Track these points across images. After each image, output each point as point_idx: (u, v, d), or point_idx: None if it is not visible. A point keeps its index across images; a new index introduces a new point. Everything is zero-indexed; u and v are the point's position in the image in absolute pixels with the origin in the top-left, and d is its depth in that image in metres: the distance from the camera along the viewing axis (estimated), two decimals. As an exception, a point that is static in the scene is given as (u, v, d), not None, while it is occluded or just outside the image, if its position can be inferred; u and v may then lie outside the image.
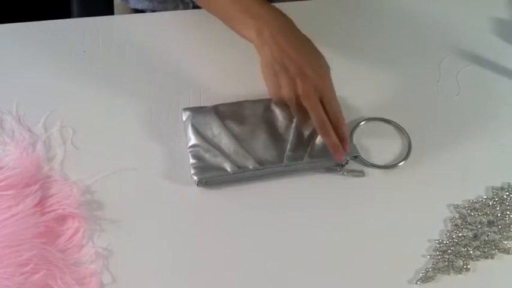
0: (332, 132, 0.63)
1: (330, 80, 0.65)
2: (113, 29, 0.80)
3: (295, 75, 0.63)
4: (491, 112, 0.74)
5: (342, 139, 0.64)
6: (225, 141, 0.66)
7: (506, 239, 0.63)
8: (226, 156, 0.65)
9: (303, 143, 0.67)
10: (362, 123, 0.71)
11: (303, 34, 0.67)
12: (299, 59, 0.63)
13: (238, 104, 0.70)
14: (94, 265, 0.58)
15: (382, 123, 0.72)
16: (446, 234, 0.63)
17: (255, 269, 0.59)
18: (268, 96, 0.69)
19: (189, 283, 0.58)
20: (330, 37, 0.78)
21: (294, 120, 0.68)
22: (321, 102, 0.64)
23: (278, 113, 0.69)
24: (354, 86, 0.75)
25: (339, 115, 0.65)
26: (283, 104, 0.67)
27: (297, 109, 0.65)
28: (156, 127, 0.70)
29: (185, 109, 0.69)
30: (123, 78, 0.75)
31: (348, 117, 0.71)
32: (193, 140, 0.66)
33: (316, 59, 0.65)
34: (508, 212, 0.65)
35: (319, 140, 0.67)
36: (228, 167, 0.64)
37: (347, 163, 0.67)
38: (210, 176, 0.64)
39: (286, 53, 0.63)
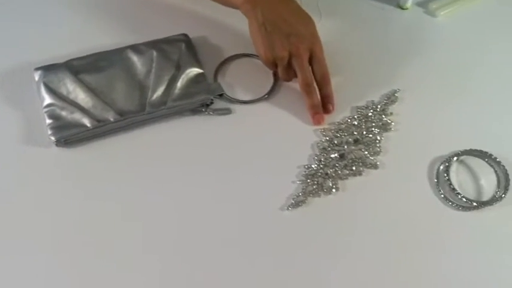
0: (315, 94, 0.65)
1: (320, 40, 0.65)
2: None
3: (289, 34, 0.63)
4: (352, 36, 0.75)
5: (326, 96, 0.65)
6: (82, 96, 0.63)
7: (373, 155, 0.64)
8: (85, 111, 0.62)
9: (164, 87, 0.65)
10: (225, 60, 0.70)
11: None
12: (292, 19, 0.64)
13: (92, 56, 0.66)
14: None
15: (246, 59, 0.71)
16: (314, 158, 0.63)
17: (126, 226, 0.58)
18: (126, 44, 0.67)
19: (52, 248, 0.56)
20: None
21: (154, 65, 0.66)
22: (310, 61, 0.65)
23: (136, 60, 0.66)
24: (216, 25, 0.73)
25: (326, 75, 0.66)
26: (271, 65, 0.66)
27: (285, 68, 0.65)
28: (9, 91, 0.66)
29: (36, 68, 0.65)
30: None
31: (210, 57, 0.70)
32: (47, 99, 0.63)
33: (307, 20, 0.65)
34: (372, 129, 0.66)
35: (181, 82, 0.65)
36: (87, 122, 0.62)
37: (212, 102, 0.66)
38: (68, 134, 0.61)
39: (279, 13, 0.64)
